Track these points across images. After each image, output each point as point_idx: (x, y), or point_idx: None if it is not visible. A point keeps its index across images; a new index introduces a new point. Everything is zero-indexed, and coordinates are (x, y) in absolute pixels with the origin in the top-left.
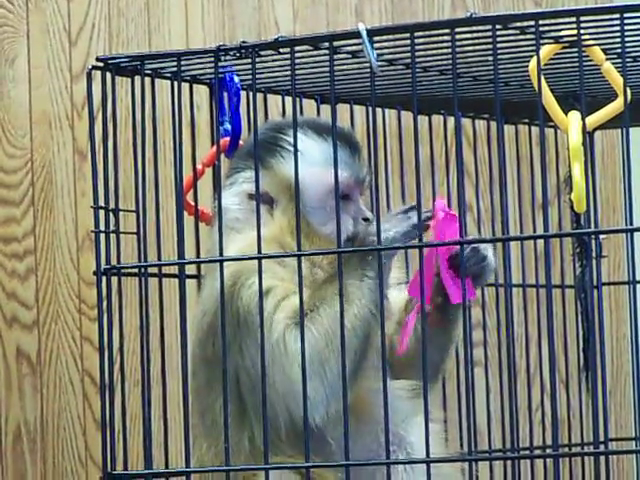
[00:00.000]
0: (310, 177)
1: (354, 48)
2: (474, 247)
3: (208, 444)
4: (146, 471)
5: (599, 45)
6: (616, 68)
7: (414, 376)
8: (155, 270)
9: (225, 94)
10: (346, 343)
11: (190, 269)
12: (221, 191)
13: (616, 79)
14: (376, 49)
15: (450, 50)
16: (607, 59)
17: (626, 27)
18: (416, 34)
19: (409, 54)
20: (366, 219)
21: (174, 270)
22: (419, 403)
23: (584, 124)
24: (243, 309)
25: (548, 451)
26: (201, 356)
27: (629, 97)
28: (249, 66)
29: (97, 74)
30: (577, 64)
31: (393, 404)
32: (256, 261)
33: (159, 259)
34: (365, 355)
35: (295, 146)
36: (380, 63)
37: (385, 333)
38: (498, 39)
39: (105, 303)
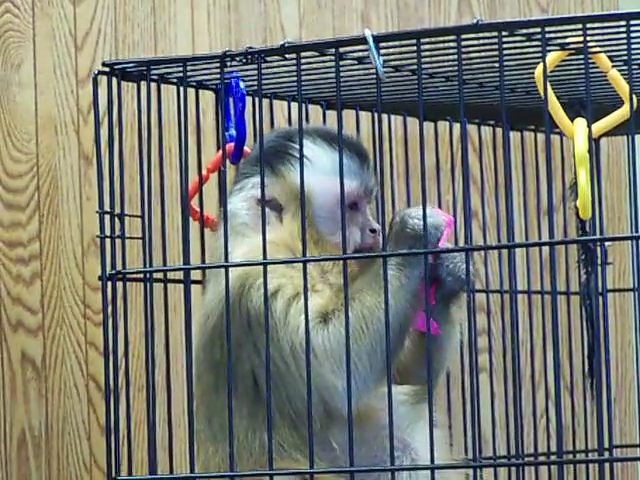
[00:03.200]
0: (319, 186)
1: (360, 54)
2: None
3: (214, 449)
4: (150, 476)
5: (605, 52)
6: (622, 75)
7: (414, 382)
8: (160, 275)
9: (231, 99)
10: (380, 335)
11: (195, 274)
12: (227, 197)
13: (622, 86)
14: (382, 55)
15: (456, 56)
16: (613, 66)
17: (632, 34)
18: (422, 40)
19: (415, 60)
20: (373, 230)
21: (179, 275)
22: (423, 408)
23: (590, 131)
24: (255, 310)
25: (553, 458)
26: (207, 360)
27: (635, 104)
28: (255, 72)
29: (103, 79)
30: (583, 71)
31: (397, 409)
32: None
33: (164, 264)
34: (401, 345)
35: (301, 152)
36: (386, 69)
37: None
38: (504, 46)
39: (110, 308)
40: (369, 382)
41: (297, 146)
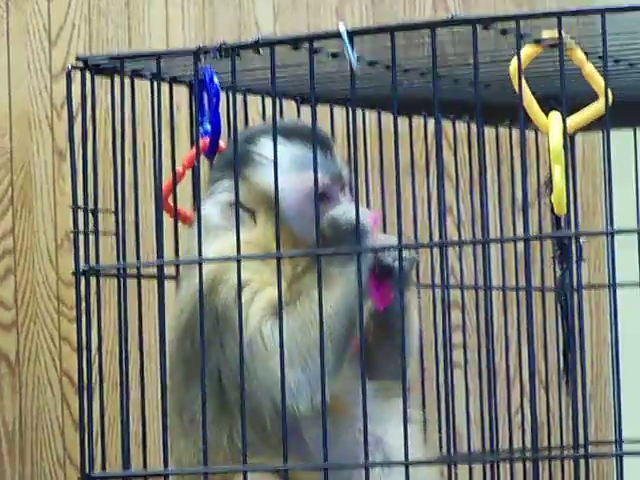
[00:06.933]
0: (284, 184)
1: (334, 49)
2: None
3: (186, 443)
4: (124, 472)
5: (580, 47)
6: (597, 70)
7: (381, 377)
8: (134, 271)
9: (205, 94)
10: (329, 330)
11: (169, 270)
12: (200, 191)
13: (597, 81)
14: (356, 50)
15: (431, 52)
16: (588, 61)
17: (607, 29)
18: (397, 35)
19: (389, 55)
20: None
21: (153, 271)
22: (395, 403)
23: (565, 126)
24: (221, 305)
25: (528, 454)
26: (179, 355)
27: (610, 99)
28: (229, 66)
29: (77, 74)
30: (558, 66)
31: (368, 404)
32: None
33: (138, 260)
34: (350, 341)
35: (275, 149)
36: (360, 64)
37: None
38: (479, 40)
39: (84, 304)
40: (320, 376)
41: (255, 149)
